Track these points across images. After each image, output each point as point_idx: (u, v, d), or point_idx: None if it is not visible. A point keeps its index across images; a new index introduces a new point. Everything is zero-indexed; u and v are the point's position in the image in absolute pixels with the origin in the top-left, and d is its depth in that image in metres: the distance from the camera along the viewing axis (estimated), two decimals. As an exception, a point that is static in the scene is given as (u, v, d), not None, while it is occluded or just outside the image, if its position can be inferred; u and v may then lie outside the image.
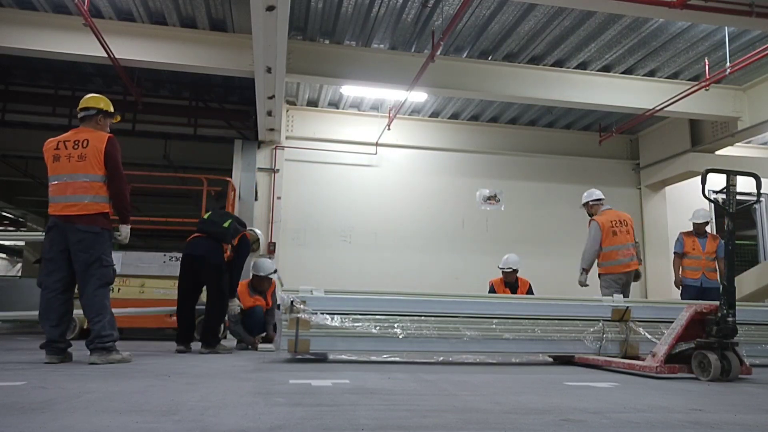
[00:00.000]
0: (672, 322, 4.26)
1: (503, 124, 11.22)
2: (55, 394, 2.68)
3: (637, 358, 4.69)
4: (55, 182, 4.27)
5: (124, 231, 4.48)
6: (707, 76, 7.69)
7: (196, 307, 5.77)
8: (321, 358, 4.77)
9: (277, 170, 10.14)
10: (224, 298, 5.65)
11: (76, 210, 4.20)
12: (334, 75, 8.25)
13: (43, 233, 4.50)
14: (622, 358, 4.74)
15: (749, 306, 5.55)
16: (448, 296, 5.03)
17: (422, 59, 7.51)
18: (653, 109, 8.71)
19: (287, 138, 10.35)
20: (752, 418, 2.48)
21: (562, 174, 11.25)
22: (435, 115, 10.91)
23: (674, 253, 7.65)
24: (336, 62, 8.21)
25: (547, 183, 11.15)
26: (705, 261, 7.35)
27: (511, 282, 7.54)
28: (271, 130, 9.57)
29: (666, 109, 8.62)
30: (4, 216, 18.83)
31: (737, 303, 4.03)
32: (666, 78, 8.95)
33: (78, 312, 4.52)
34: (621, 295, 5.44)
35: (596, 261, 6.56)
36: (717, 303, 4.05)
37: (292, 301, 4.52)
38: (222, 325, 6.43)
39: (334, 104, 10.58)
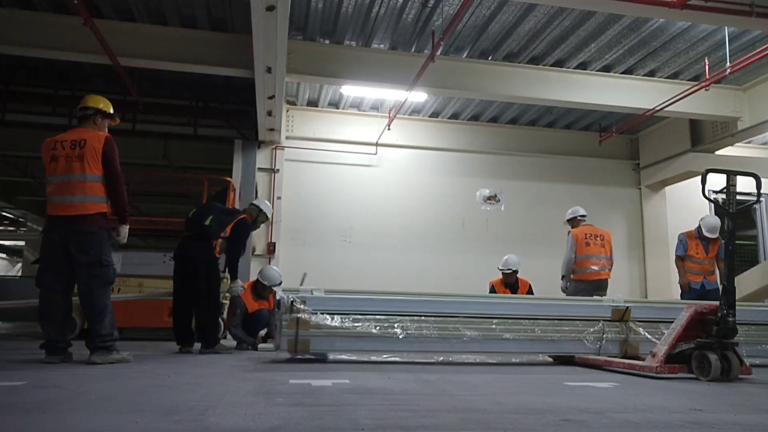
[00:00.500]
0: (672, 322, 4.26)
1: (503, 124, 11.22)
2: (55, 394, 2.68)
3: (637, 358, 4.69)
4: (53, 182, 4.27)
5: (123, 231, 4.47)
6: (707, 76, 7.69)
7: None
8: (321, 358, 4.77)
9: (277, 170, 10.14)
10: (216, 296, 5.60)
11: (74, 210, 4.19)
12: (334, 75, 8.25)
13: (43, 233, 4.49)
14: (622, 358, 4.74)
15: (749, 306, 5.55)
16: (448, 296, 5.03)
17: (422, 59, 7.51)
18: (653, 109, 8.71)
19: (287, 138, 10.35)
20: (752, 418, 2.48)
21: (562, 174, 11.25)
22: (435, 115, 10.91)
23: (676, 255, 7.62)
24: (336, 62, 8.21)
25: (547, 183, 11.15)
26: (707, 265, 7.34)
27: (511, 283, 7.54)
28: (271, 130, 9.57)
29: (666, 109, 8.62)
30: (4, 216, 18.83)
31: (737, 303, 4.02)
32: (666, 78, 8.95)
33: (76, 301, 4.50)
34: (622, 295, 5.44)
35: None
36: (717, 303, 4.05)
37: (292, 301, 4.51)
38: (221, 325, 6.43)
39: (334, 104, 10.58)
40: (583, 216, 7.25)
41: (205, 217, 5.66)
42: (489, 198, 10.92)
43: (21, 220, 19.09)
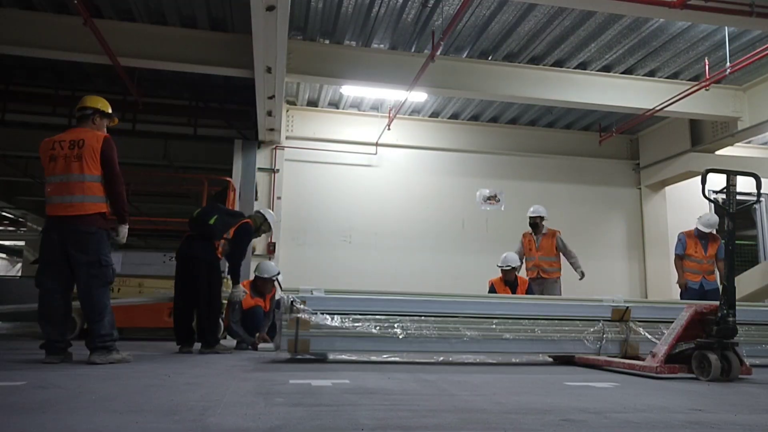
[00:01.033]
0: (672, 322, 4.26)
1: (503, 124, 11.22)
2: (55, 394, 2.68)
3: (637, 358, 4.68)
4: (52, 182, 4.26)
5: (123, 231, 4.46)
6: (707, 76, 7.69)
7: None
8: (321, 358, 4.77)
9: (277, 170, 10.14)
10: (217, 296, 5.60)
11: (73, 210, 4.19)
12: (334, 75, 8.25)
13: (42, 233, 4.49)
14: (622, 358, 4.73)
15: (749, 306, 5.55)
16: (448, 296, 5.02)
17: (422, 59, 7.51)
18: (653, 109, 8.71)
19: (287, 138, 10.35)
20: (752, 418, 2.48)
21: (562, 174, 11.25)
22: (435, 115, 10.91)
23: (675, 254, 7.63)
24: (336, 62, 8.21)
25: (547, 183, 11.15)
26: (706, 265, 7.35)
27: (510, 280, 7.54)
28: (271, 130, 9.57)
29: (666, 109, 8.62)
30: (4, 216, 18.83)
31: (737, 303, 4.02)
32: (666, 78, 8.95)
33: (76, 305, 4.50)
34: (622, 295, 5.44)
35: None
36: (717, 303, 4.04)
37: (292, 301, 4.51)
38: (222, 325, 6.42)
39: (334, 104, 10.58)
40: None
41: (210, 217, 5.66)
42: (489, 198, 10.92)
43: (21, 220, 19.09)
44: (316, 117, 10.60)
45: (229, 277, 5.92)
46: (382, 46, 8.29)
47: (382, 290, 5.07)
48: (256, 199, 9.83)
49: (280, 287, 6.73)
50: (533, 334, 4.81)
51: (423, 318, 4.67)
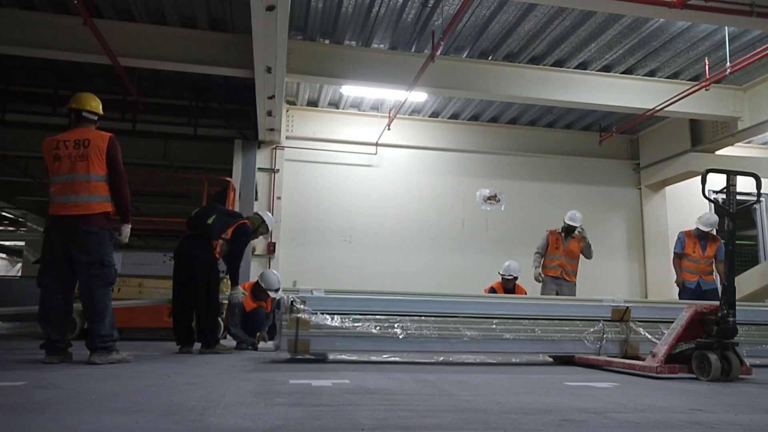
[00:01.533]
0: (672, 322, 4.26)
1: (503, 124, 11.22)
2: (55, 394, 2.68)
3: (637, 358, 4.69)
4: (57, 182, 4.26)
5: (125, 230, 4.46)
6: (707, 76, 7.69)
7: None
8: (321, 358, 4.77)
9: (277, 170, 10.14)
10: (215, 296, 5.60)
11: (78, 210, 4.19)
12: (334, 75, 8.25)
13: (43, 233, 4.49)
14: (622, 358, 4.74)
15: (749, 306, 5.55)
16: (448, 296, 5.03)
17: (422, 59, 7.51)
18: (653, 109, 8.71)
19: (287, 138, 10.35)
20: (752, 418, 2.48)
21: (562, 174, 11.25)
22: (435, 115, 10.91)
23: (674, 253, 7.64)
24: (336, 62, 8.21)
25: (547, 183, 11.15)
26: (703, 265, 7.35)
27: (509, 288, 7.60)
28: (271, 130, 9.57)
29: (666, 109, 8.62)
30: (4, 216, 18.83)
31: (737, 303, 4.02)
32: (666, 78, 8.95)
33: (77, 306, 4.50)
34: (622, 295, 5.44)
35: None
36: (717, 303, 4.04)
37: (292, 301, 4.51)
38: (221, 325, 6.42)
39: (334, 104, 10.58)
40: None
41: (209, 216, 5.67)
42: (489, 198, 10.92)
43: (21, 220, 19.09)
44: (316, 117, 10.60)
45: (227, 277, 5.92)
46: (382, 46, 8.29)
47: (382, 290, 5.07)
48: (256, 199, 9.83)
49: (277, 306, 6.69)
50: (533, 334, 4.81)
51: (423, 318, 4.67)
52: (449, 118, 10.98)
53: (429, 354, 4.88)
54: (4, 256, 27.58)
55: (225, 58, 7.80)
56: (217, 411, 2.30)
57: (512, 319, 4.83)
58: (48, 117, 9.76)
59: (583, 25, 7.57)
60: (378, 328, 4.57)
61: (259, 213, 6.39)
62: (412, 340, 4.60)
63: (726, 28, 7.25)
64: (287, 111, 10.35)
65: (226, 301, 6.37)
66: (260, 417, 2.18)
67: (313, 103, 10.55)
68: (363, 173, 10.58)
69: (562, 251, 7.74)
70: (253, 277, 7.26)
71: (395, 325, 4.60)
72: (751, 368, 4.09)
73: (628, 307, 5.02)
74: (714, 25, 7.26)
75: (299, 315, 4.47)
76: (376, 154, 10.59)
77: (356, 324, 4.55)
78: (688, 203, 10.45)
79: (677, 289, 7.70)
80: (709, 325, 3.98)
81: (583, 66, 8.72)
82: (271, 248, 9.77)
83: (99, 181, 4.25)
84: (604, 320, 4.95)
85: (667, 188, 11.13)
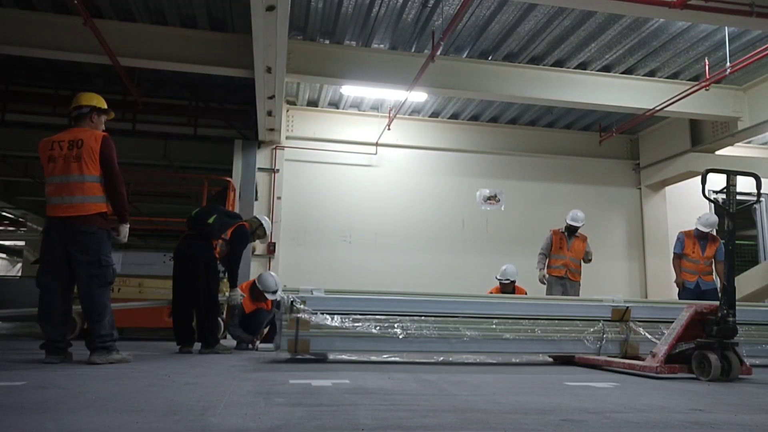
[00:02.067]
0: (672, 322, 4.26)
1: (503, 124, 11.22)
2: (55, 394, 2.68)
3: (637, 358, 4.69)
4: (52, 183, 4.26)
5: (123, 230, 4.45)
6: (707, 76, 7.69)
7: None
8: (321, 358, 4.77)
9: (277, 170, 10.14)
10: (215, 296, 5.60)
11: (73, 211, 4.19)
12: (334, 75, 8.25)
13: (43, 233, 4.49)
14: (622, 358, 4.74)
15: (749, 306, 5.55)
16: (448, 296, 5.03)
17: (422, 59, 7.51)
18: (653, 109, 8.71)
19: (287, 138, 10.35)
20: (752, 418, 2.48)
21: (562, 174, 11.24)
22: (435, 115, 10.91)
23: (674, 253, 7.65)
24: (336, 62, 8.20)
25: (547, 183, 11.15)
26: (703, 265, 7.35)
27: (508, 292, 7.60)
28: (271, 130, 9.57)
29: (666, 109, 8.62)
30: (4, 216, 18.83)
31: (737, 303, 4.02)
32: (666, 78, 8.95)
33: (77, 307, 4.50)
34: (622, 295, 5.44)
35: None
36: (717, 303, 4.05)
37: (292, 301, 4.51)
38: (221, 325, 6.42)
39: (334, 104, 10.58)
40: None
41: (209, 216, 5.67)
42: (489, 198, 10.92)
43: (21, 220, 19.10)
44: (316, 117, 10.60)
45: (227, 278, 5.92)
46: (382, 46, 8.29)
47: (382, 290, 5.07)
48: (256, 199, 9.83)
49: (277, 306, 6.70)
50: (533, 334, 4.81)
51: (423, 318, 4.68)
52: (449, 118, 10.98)
53: (429, 354, 4.88)
54: (4, 256, 27.59)
55: (225, 58, 7.80)
56: (217, 411, 2.30)
57: (512, 319, 4.84)
58: (48, 117, 9.75)
59: (583, 25, 7.57)
60: (378, 328, 4.57)
61: (258, 217, 6.43)
62: (412, 340, 4.60)
63: (726, 28, 7.25)
64: (287, 111, 10.35)
65: (226, 304, 6.38)
66: (260, 417, 2.18)
67: (313, 103, 10.54)
68: (363, 173, 10.58)
69: (567, 251, 7.75)
70: (253, 278, 7.24)
71: (395, 325, 4.60)
72: (751, 368, 4.09)
73: (628, 307, 5.02)
74: (714, 25, 7.26)
75: (299, 315, 4.47)
76: (376, 154, 10.59)
77: (356, 324, 4.55)
78: (688, 203, 10.45)
79: (677, 289, 7.71)
80: (709, 325, 3.98)
81: (583, 66, 8.72)
82: (271, 248, 9.77)
83: (93, 182, 4.24)
84: (604, 320, 4.96)
85: (667, 188, 11.13)
